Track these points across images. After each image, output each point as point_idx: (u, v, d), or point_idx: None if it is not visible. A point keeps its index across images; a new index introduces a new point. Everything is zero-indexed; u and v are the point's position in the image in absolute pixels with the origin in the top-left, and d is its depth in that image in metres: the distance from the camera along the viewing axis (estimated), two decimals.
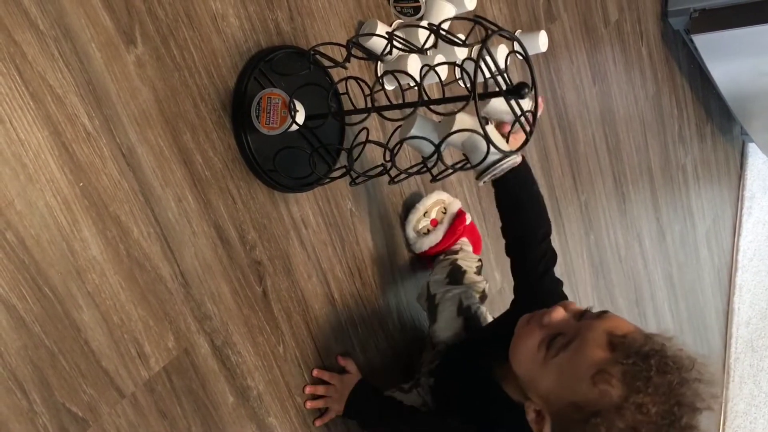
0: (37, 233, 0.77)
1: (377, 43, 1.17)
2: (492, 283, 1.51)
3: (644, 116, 2.36)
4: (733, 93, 2.85)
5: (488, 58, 0.79)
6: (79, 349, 0.80)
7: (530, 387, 0.88)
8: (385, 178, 0.92)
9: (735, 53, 2.50)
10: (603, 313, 0.86)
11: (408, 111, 0.89)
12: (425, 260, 1.31)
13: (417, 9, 1.26)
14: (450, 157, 0.98)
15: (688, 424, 0.77)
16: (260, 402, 1.01)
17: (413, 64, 1.16)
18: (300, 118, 0.93)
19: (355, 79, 1.01)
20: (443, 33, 0.88)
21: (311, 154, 1.00)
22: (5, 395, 0.74)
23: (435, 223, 1.28)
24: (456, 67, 1.42)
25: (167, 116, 0.89)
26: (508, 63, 0.85)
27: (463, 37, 1.27)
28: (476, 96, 0.77)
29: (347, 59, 0.99)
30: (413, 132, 0.92)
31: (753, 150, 3.62)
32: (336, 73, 1.11)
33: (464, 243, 1.30)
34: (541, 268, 1.07)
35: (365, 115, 0.91)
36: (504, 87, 0.81)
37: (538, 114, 0.96)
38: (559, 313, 0.88)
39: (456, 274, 1.20)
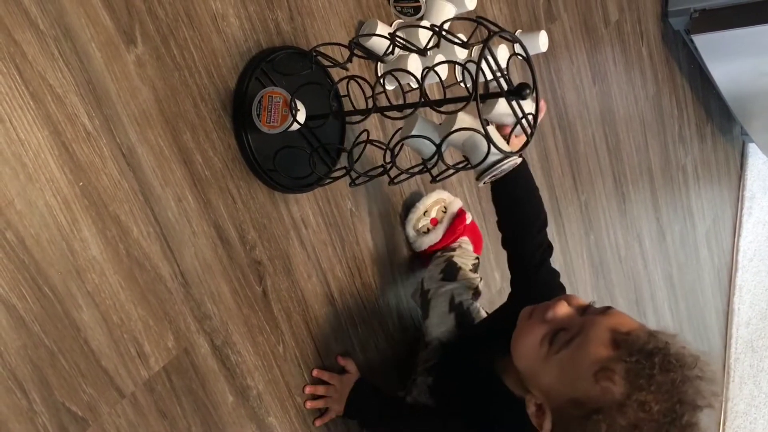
0: (36, 233, 0.77)
1: (378, 43, 1.17)
2: (492, 283, 1.51)
3: (644, 116, 2.36)
4: (733, 93, 2.85)
5: (490, 59, 0.79)
6: (78, 348, 0.80)
7: (531, 381, 0.88)
8: (385, 178, 0.92)
9: (735, 53, 2.50)
10: (607, 309, 0.85)
11: (409, 112, 0.89)
12: (425, 259, 1.31)
13: (417, 9, 1.26)
14: (450, 158, 0.98)
15: (689, 422, 0.77)
16: (260, 402, 1.01)
17: (414, 64, 1.16)
18: (301, 117, 0.93)
19: (358, 77, 1.01)
20: (445, 34, 0.88)
21: (311, 154, 1.00)
22: (5, 395, 0.74)
23: (435, 222, 1.28)
24: (456, 69, 1.43)
25: (167, 116, 0.89)
26: (509, 65, 0.85)
27: (463, 37, 1.27)
28: (477, 96, 0.77)
29: (349, 59, 0.99)
30: (414, 133, 0.92)
31: (753, 150, 3.62)
32: (336, 73, 1.11)
33: (464, 242, 1.30)
34: (538, 259, 1.07)
35: (366, 115, 0.91)
36: (505, 88, 0.81)
37: (540, 117, 0.97)
38: (562, 308, 0.87)
39: (450, 271, 1.20)
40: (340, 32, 1.16)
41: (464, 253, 1.26)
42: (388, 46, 0.98)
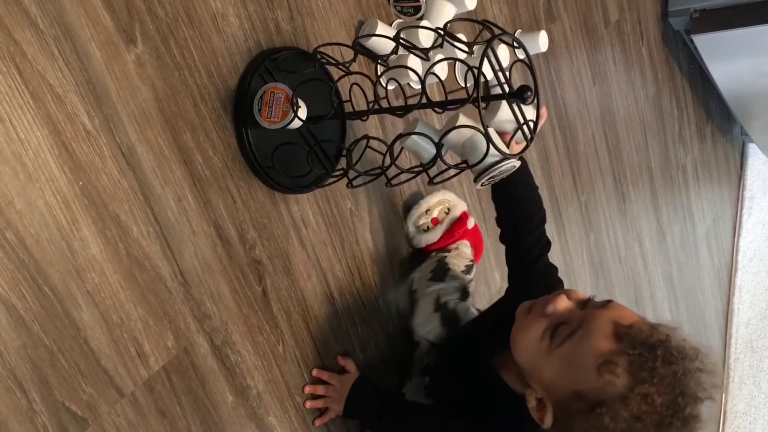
0: (36, 232, 0.77)
1: (378, 43, 1.17)
2: (492, 283, 1.51)
3: (644, 116, 2.36)
4: (733, 93, 2.85)
5: (493, 60, 0.79)
6: (78, 348, 0.80)
7: (532, 376, 0.87)
8: (385, 179, 0.92)
9: (735, 53, 2.50)
10: (607, 303, 0.85)
11: (409, 116, 0.89)
12: (424, 257, 1.31)
13: (417, 9, 1.26)
14: (450, 160, 0.98)
15: (690, 414, 0.77)
16: (260, 401, 1.01)
17: (415, 63, 1.16)
18: (302, 113, 0.93)
19: (361, 73, 1.01)
20: (449, 37, 0.88)
21: (309, 151, 1.00)
22: (5, 394, 0.74)
23: (436, 221, 1.28)
24: (456, 71, 1.43)
25: (167, 115, 0.89)
26: (511, 69, 0.85)
27: (464, 38, 1.27)
28: (479, 96, 0.77)
29: (353, 60, 0.98)
30: (414, 136, 0.92)
31: (753, 150, 3.62)
32: (335, 72, 1.11)
33: (463, 245, 1.30)
34: (536, 253, 1.08)
35: (367, 115, 0.91)
36: (507, 90, 0.81)
37: (540, 123, 0.97)
38: (563, 302, 0.87)
39: (440, 271, 1.20)
40: (340, 32, 1.16)
41: (458, 255, 1.26)
42: (394, 48, 0.98)
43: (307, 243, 1.08)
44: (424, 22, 1.24)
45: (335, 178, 1.05)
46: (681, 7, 2.46)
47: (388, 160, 0.88)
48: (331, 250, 1.13)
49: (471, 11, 1.35)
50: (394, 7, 1.27)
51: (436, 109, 0.89)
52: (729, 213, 3.45)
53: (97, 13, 0.82)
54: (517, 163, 0.88)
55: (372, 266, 1.21)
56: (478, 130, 0.82)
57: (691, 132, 2.83)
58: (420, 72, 1.14)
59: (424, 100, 0.87)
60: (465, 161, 0.90)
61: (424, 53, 0.98)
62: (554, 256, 1.11)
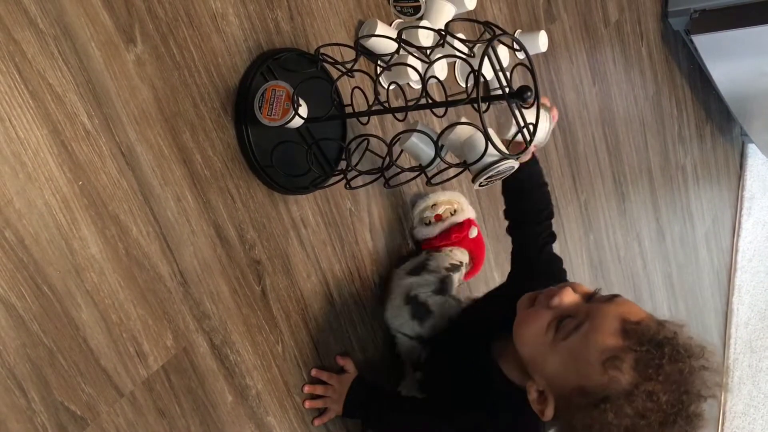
0: (36, 232, 0.77)
1: (377, 43, 1.17)
2: (491, 284, 1.51)
3: (644, 116, 2.36)
4: (732, 93, 2.85)
5: (494, 60, 0.79)
6: (77, 347, 0.80)
7: (534, 368, 0.86)
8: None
9: (735, 54, 2.50)
10: (614, 297, 0.85)
11: (409, 117, 0.89)
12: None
13: (417, 9, 1.26)
14: (450, 161, 0.98)
15: (694, 412, 0.77)
16: (259, 401, 1.01)
17: (414, 64, 1.16)
18: (303, 111, 0.93)
19: (361, 72, 1.01)
20: (450, 41, 0.88)
21: (308, 150, 1.00)
22: (4, 394, 0.74)
23: (439, 218, 1.28)
24: (456, 71, 1.43)
25: (167, 115, 0.89)
26: (512, 71, 0.85)
27: (463, 37, 1.27)
28: (479, 96, 0.77)
29: (355, 60, 0.98)
30: (414, 138, 0.92)
31: (753, 151, 3.62)
32: (336, 73, 1.11)
33: (458, 251, 1.27)
34: (541, 242, 1.09)
35: (368, 115, 0.91)
36: (507, 90, 0.81)
37: (553, 125, 0.97)
38: (569, 295, 0.86)
39: (419, 268, 1.20)
40: (340, 32, 1.16)
41: (446, 255, 1.24)
42: (397, 49, 0.97)
43: (307, 243, 1.08)
44: (423, 22, 1.24)
45: (334, 180, 1.05)
46: (681, 8, 2.46)
47: (387, 162, 0.88)
48: (330, 250, 1.13)
49: (471, 11, 1.35)
50: (394, 7, 1.27)
51: (437, 112, 0.89)
52: (728, 213, 3.45)
53: (96, 12, 0.82)
54: (516, 164, 0.88)
55: (371, 266, 1.21)
56: (478, 128, 0.82)
57: (691, 132, 2.83)
58: (420, 72, 1.14)
59: (424, 100, 0.87)
60: (464, 161, 0.90)
61: (424, 53, 0.98)
62: None
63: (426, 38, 1.19)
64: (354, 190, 1.15)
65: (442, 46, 0.92)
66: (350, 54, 1.10)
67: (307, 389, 1.08)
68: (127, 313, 0.85)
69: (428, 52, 0.98)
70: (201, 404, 0.93)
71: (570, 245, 1.89)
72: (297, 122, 0.94)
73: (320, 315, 1.11)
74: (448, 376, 1.06)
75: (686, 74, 2.73)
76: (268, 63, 0.99)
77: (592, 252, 2.04)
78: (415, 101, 0.88)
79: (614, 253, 2.19)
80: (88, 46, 0.81)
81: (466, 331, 1.09)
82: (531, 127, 0.84)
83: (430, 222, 1.27)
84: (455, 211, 1.29)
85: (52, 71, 0.78)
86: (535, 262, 1.08)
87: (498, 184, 1.09)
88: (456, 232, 1.26)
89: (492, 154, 0.84)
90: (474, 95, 0.78)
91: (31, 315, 0.76)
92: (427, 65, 0.92)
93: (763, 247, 3.57)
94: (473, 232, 1.29)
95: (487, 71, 1.38)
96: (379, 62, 1.21)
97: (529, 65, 0.82)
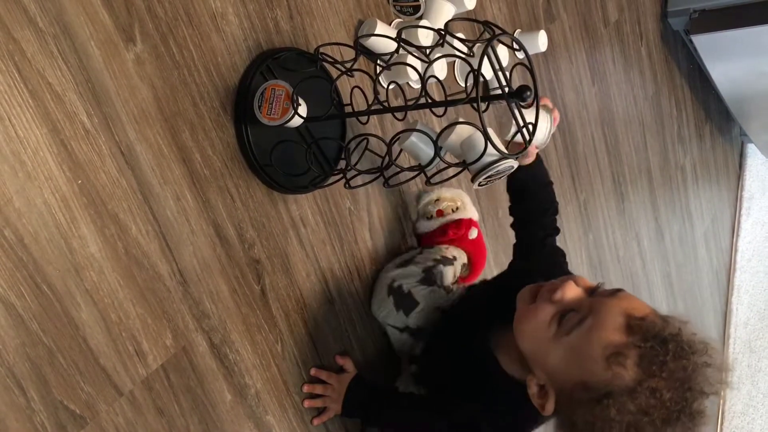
0: (35, 231, 0.77)
1: (377, 43, 1.17)
2: None
3: (643, 116, 2.36)
4: (732, 94, 2.85)
5: (493, 59, 0.79)
6: (77, 346, 0.80)
7: (535, 362, 0.85)
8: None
9: (734, 54, 2.50)
10: (617, 291, 0.84)
11: (408, 117, 0.89)
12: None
13: (417, 8, 1.26)
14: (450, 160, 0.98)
15: (697, 409, 0.76)
16: (258, 400, 1.01)
17: (413, 63, 1.16)
18: (302, 110, 0.93)
19: (361, 72, 1.01)
20: (449, 41, 0.88)
21: (308, 148, 1.00)
22: (3, 393, 0.74)
23: (440, 213, 1.27)
24: (456, 71, 1.43)
25: (166, 114, 0.89)
26: (512, 71, 0.85)
27: (462, 36, 1.27)
28: (479, 96, 0.77)
29: (355, 60, 0.98)
30: (413, 138, 0.92)
31: (752, 151, 3.63)
32: (335, 73, 1.11)
33: (455, 250, 1.26)
34: (544, 234, 1.10)
35: (368, 115, 0.91)
36: (506, 90, 0.81)
37: (554, 126, 0.97)
38: (572, 290, 0.84)
39: (407, 261, 1.19)
40: (340, 31, 1.16)
41: (437, 251, 1.23)
42: (396, 49, 0.97)
43: (306, 242, 1.08)
44: (423, 22, 1.24)
45: (334, 179, 1.05)
46: (680, 8, 2.47)
47: (387, 161, 0.88)
48: (330, 250, 1.13)
49: (470, 11, 1.35)
50: (394, 6, 1.27)
51: (436, 111, 0.89)
52: (728, 213, 3.45)
53: (96, 11, 0.82)
54: (516, 164, 0.88)
55: (371, 266, 1.21)
56: (477, 128, 0.82)
57: (690, 132, 2.83)
58: (419, 71, 1.14)
59: (424, 100, 0.87)
60: (463, 161, 0.90)
61: (423, 53, 0.98)
62: None
63: (425, 38, 1.19)
64: (353, 189, 1.15)
65: (442, 45, 0.92)
66: (350, 53, 1.10)
67: (306, 388, 1.08)
68: (127, 312, 0.85)
69: (428, 51, 0.98)
70: (200, 403, 0.93)
71: (569, 245, 1.89)
72: (296, 121, 0.94)
73: (319, 314, 1.11)
74: (446, 363, 1.04)
75: (685, 74, 2.73)
76: (268, 62, 0.99)
77: (592, 251, 2.04)
78: (414, 101, 0.88)
79: (613, 253, 2.19)
80: (88, 45, 0.81)
81: (465, 318, 1.08)
82: (530, 126, 0.84)
83: (431, 216, 1.27)
84: (457, 208, 1.29)
85: (52, 70, 0.78)
86: (538, 255, 1.08)
87: (499, 185, 1.09)
88: (453, 229, 1.25)
89: (491, 153, 0.84)
90: (473, 95, 0.78)
91: (30, 314, 0.76)
92: (426, 65, 0.92)
93: (762, 247, 3.57)
94: (473, 233, 1.28)
95: (487, 71, 1.38)
96: (378, 62, 1.21)
97: (528, 65, 0.82)
